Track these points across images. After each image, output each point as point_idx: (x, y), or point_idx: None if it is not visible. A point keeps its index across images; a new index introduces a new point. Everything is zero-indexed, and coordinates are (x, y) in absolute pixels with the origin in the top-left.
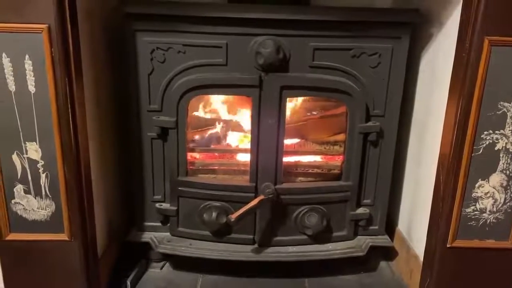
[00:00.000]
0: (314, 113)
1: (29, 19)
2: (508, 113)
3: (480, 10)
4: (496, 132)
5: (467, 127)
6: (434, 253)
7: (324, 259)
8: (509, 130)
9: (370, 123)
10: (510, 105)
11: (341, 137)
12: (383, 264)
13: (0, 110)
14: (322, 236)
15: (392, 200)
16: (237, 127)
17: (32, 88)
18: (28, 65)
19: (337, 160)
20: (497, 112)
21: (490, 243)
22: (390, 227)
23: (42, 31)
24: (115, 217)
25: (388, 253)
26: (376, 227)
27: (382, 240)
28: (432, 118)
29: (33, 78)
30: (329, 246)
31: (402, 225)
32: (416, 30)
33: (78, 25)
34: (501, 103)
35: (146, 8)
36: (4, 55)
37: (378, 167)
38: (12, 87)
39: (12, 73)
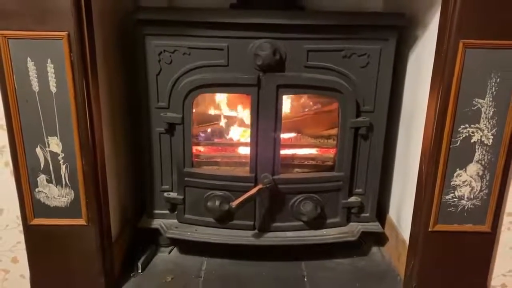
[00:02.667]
0: (310, 108)
1: (51, 27)
2: (482, 109)
3: (455, 16)
4: (472, 126)
5: (446, 122)
6: (418, 236)
7: (319, 243)
8: (484, 124)
9: (360, 118)
10: (484, 101)
11: (334, 131)
12: (374, 249)
13: (25, 108)
14: (316, 222)
15: (384, 189)
16: (238, 122)
17: (53, 89)
18: (50, 68)
19: (331, 153)
20: (472, 108)
21: (468, 227)
22: (381, 214)
23: (62, 38)
24: (127, 205)
25: (380, 239)
26: (368, 214)
27: (373, 226)
28: (418, 113)
29: (55, 80)
30: (323, 231)
31: (392, 213)
32: (403, 32)
33: (94, 31)
34: (476, 99)
35: (155, 14)
36: (29, 59)
37: (369, 159)
38: (36, 87)
39: (36, 75)
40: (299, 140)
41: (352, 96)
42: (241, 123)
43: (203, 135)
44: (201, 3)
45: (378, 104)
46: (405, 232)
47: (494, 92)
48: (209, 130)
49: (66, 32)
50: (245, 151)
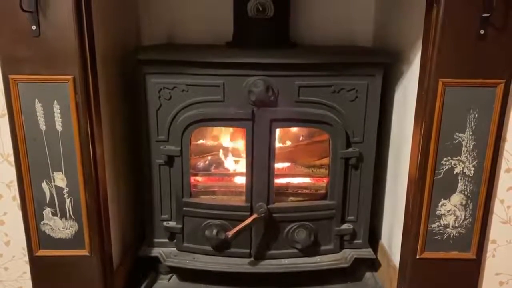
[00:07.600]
0: (302, 139)
1: (57, 72)
2: (463, 142)
3: (434, 56)
4: (454, 158)
5: (429, 154)
6: (407, 263)
7: (313, 270)
8: (465, 156)
9: (350, 149)
10: (464, 135)
11: (325, 161)
12: (368, 274)
13: (33, 145)
14: (310, 249)
15: (376, 215)
16: (233, 154)
17: (59, 128)
18: (56, 109)
19: (323, 182)
20: (454, 142)
21: (453, 254)
22: (374, 240)
23: (68, 81)
24: (128, 234)
25: (373, 265)
26: (360, 241)
27: (365, 252)
28: (405, 144)
29: (60, 120)
30: (317, 258)
31: (384, 239)
32: (390, 67)
33: (97, 74)
34: (457, 133)
35: (154, 55)
36: (36, 100)
37: (360, 187)
38: (43, 126)
39: (43, 115)
40: (292, 170)
41: (341, 128)
42: (237, 154)
43: (201, 165)
44: (199, 40)
45: (367, 135)
46: (396, 258)
47: (474, 127)
48: (206, 161)
49: (72, 76)
50: (240, 181)
